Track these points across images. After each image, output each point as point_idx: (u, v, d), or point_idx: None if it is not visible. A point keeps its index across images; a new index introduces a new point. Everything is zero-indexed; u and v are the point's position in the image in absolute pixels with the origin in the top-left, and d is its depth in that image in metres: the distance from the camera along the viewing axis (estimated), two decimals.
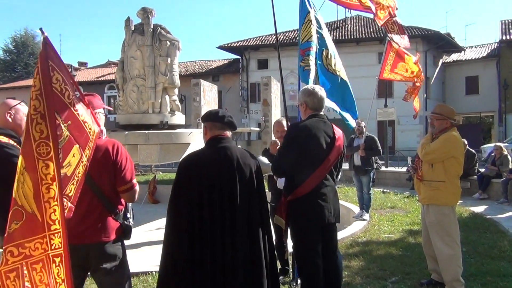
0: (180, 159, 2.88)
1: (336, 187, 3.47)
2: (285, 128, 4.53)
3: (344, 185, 11.88)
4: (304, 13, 4.48)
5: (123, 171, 2.68)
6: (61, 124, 2.21)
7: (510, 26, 27.49)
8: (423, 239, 4.42)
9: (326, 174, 3.28)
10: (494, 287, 4.20)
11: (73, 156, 2.33)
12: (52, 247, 1.95)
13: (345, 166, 8.75)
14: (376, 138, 8.13)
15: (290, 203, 3.27)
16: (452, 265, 4.00)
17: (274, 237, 4.48)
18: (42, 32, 2.11)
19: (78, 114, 2.33)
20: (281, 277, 4.54)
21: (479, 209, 8.83)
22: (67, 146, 2.29)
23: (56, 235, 1.97)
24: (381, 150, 8.13)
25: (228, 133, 2.91)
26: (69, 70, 2.24)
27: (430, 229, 4.14)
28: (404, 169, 14.14)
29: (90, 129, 2.44)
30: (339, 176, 3.62)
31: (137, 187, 2.79)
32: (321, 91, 3.45)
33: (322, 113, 3.44)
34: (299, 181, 3.22)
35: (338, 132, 3.40)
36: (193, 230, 2.66)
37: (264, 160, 4.40)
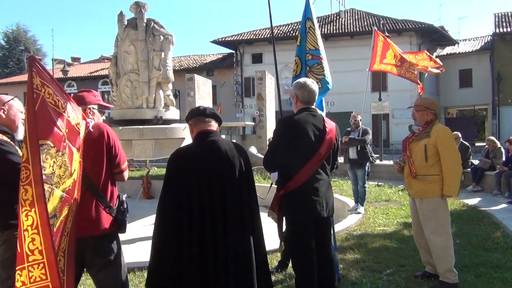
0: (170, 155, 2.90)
1: (330, 180, 3.47)
2: None
3: (339, 178, 11.91)
4: (305, 17, 4.55)
5: (117, 155, 2.74)
6: (64, 135, 2.24)
7: (504, 19, 27.59)
8: (415, 232, 4.42)
9: (318, 168, 3.26)
10: (487, 278, 4.24)
11: (75, 160, 2.37)
12: (31, 280, 1.84)
13: (340, 159, 8.80)
14: (369, 130, 8.03)
15: (282, 198, 3.28)
16: (445, 256, 4.03)
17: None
18: (28, 51, 2.13)
19: (70, 119, 2.36)
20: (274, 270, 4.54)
21: (473, 201, 8.90)
22: (70, 155, 2.32)
23: (36, 266, 1.85)
24: (365, 140, 7.86)
25: (215, 127, 2.91)
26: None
27: (424, 222, 4.14)
28: None
29: (80, 129, 2.45)
30: (334, 169, 3.60)
31: (127, 168, 2.88)
32: (312, 84, 3.43)
33: (313, 106, 3.42)
34: (290, 175, 3.21)
35: (330, 125, 3.37)
36: (182, 225, 2.65)
37: (254, 151, 4.36)
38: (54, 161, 2.15)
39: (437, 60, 6.51)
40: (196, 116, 2.91)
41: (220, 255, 2.64)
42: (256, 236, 2.84)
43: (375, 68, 6.67)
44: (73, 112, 2.39)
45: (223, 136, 8.64)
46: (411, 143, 4.23)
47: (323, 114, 4.60)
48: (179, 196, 2.69)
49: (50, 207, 2.18)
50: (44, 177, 2.09)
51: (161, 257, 2.68)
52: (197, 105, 13.02)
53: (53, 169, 2.15)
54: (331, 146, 3.34)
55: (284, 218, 3.40)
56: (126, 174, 2.87)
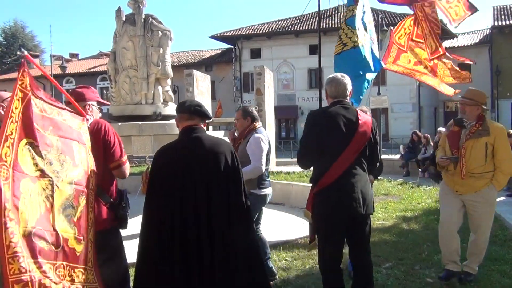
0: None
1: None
2: (240, 116, 4.25)
3: None
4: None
5: (112, 148, 2.72)
6: (45, 134, 2.27)
7: (502, 12, 27.54)
8: (447, 231, 4.04)
9: (353, 163, 3.06)
10: (486, 270, 4.27)
11: (78, 152, 2.43)
12: (11, 272, 1.89)
13: None
14: None
15: (315, 195, 3.15)
16: (484, 249, 4.07)
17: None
18: (22, 51, 2.23)
19: (58, 114, 2.42)
20: None
21: None
22: (67, 148, 2.37)
23: (15, 259, 1.91)
24: None
25: (200, 123, 2.88)
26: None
27: (482, 215, 3.92)
28: (397, 156, 14.19)
29: (76, 124, 2.50)
30: (377, 165, 3.42)
31: (127, 164, 2.83)
32: (342, 78, 3.26)
33: (347, 100, 3.25)
34: (322, 171, 3.08)
35: (364, 118, 3.18)
36: (166, 223, 2.64)
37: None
38: (42, 159, 2.20)
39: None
40: (179, 112, 2.89)
41: (205, 253, 2.60)
42: (245, 230, 2.79)
43: (387, 67, 6.55)
44: (59, 110, 2.45)
45: (221, 132, 8.52)
46: (468, 140, 3.87)
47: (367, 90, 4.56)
48: (164, 193, 2.67)
49: (59, 200, 2.23)
50: (38, 173, 2.16)
51: (146, 257, 2.68)
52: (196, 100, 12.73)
53: (43, 165, 2.20)
54: (365, 139, 3.12)
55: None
56: (125, 169, 2.83)
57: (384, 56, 6.58)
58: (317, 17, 29.49)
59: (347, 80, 3.28)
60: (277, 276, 4.28)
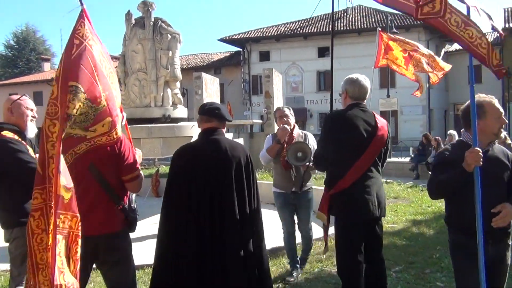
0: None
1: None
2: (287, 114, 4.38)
3: None
4: None
5: (126, 161, 2.70)
6: (101, 93, 2.34)
7: None
8: None
9: (370, 166, 3.08)
10: None
11: (102, 126, 2.47)
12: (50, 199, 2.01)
13: None
14: None
15: (332, 197, 3.12)
16: None
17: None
18: (81, 3, 2.35)
19: (114, 88, 2.51)
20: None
21: None
22: (101, 116, 2.42)
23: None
24: None
25: (219, 125, 2.91)
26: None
27: None
28: (407, 159, 14.09)
29: (119, 110, 2.64)
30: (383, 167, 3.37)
31: (141, 177, 2.81)
32: (364, 80, 3.25)
33: (364, 102, 3.25)
34: (341, 174, 3.06)
35: (381, 121, 3.21)
36: (182, 222, 2.70)
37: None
38: (80, 105, 2.19)
39: (445, 67, 6.40)
40: (200, 114, 2.95)
41: (217, 253, 2.66)
42: (255, 235, 2.83)
43: (381, 64, 6.67)
44: (116, 85, 2.56)
45: (230, 134, 8.60)
46: None
47: None
48: (180, 193, 2.74)
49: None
50: (65, 115, 2.15)
51: (163, 254, 2.73)
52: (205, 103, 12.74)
53: (76, 112, 2.19)
54: (383, 143, 3.15)
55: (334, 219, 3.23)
56: (136, 184, 2.76)
57: (376, 56, 6.67)
58: (325, 20, 29.52)
59: (368, 83, 3.29)
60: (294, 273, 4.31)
